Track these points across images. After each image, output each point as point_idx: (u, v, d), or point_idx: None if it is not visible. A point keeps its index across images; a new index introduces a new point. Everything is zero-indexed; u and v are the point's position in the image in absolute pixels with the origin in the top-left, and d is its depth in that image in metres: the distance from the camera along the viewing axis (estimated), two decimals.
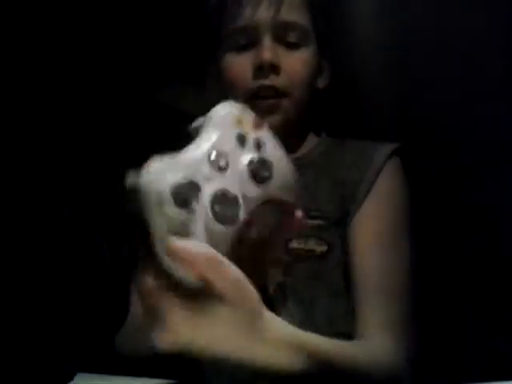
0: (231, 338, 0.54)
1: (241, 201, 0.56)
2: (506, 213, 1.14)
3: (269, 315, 0.56)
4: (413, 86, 1.19)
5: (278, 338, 0.57)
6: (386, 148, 0.92)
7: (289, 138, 0.93)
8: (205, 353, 0.54)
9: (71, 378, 0.73)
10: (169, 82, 1.32)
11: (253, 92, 0.88)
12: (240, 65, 0.89)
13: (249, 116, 0.58)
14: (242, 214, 0.56)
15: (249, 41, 0.88)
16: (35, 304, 1.14)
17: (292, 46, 0.89)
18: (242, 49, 0.89)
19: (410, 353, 0.79)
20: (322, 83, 0.96)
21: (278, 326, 0.57)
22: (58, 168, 1.33)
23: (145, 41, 1.30)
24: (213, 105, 0.59)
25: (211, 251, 0.53)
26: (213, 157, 0.56)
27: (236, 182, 0.57)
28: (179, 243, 0.53)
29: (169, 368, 0.69)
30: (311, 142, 0.98)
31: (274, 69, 0.87)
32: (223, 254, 0.55)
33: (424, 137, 1.16)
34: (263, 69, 0.86)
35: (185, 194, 0.53)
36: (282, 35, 0.88)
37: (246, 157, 0.57)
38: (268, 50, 0.86)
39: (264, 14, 0.87)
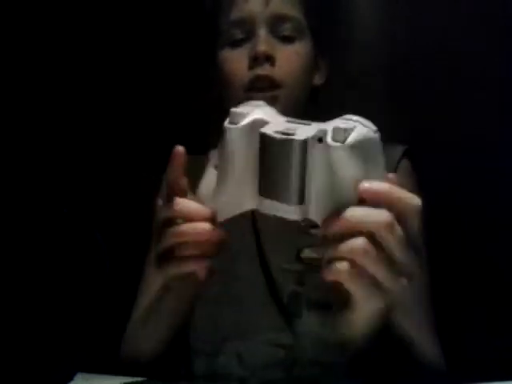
0: None
1: None
2: (507, 211, 1.14)
3: None
4: (414, 82, 1.19)
5: None
6: (397, 150, 0.91)
7: None
8: None
9: (71, 378, 0.73)
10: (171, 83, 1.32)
11: (249, 83, 0.88)
12: (236, 58, 0.89)
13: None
14: None
15: (244, 35, 0.89)
16: (35, 304, 1.13)
17: (287, 39, 0.90)
18: (237, 43, 0.90)
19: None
20: (318, 81, 0.96)
21: None
22: (58, 168, 1.34)
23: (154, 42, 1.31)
24: None
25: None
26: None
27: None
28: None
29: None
30: None
31: (269, 60, 0.88)
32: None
33: (426, 136, 1.16)
34: (258, 59, 0.87)
35: None
36: (277, 28, 0.89)
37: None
38: (263, 42, 0.87)
39: (259, 6, 0.89)
